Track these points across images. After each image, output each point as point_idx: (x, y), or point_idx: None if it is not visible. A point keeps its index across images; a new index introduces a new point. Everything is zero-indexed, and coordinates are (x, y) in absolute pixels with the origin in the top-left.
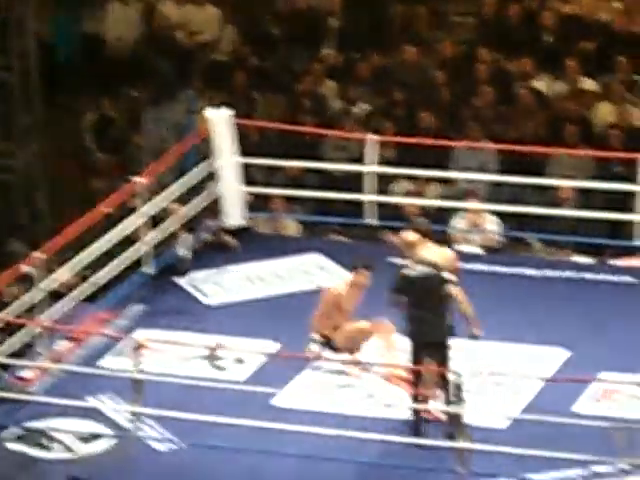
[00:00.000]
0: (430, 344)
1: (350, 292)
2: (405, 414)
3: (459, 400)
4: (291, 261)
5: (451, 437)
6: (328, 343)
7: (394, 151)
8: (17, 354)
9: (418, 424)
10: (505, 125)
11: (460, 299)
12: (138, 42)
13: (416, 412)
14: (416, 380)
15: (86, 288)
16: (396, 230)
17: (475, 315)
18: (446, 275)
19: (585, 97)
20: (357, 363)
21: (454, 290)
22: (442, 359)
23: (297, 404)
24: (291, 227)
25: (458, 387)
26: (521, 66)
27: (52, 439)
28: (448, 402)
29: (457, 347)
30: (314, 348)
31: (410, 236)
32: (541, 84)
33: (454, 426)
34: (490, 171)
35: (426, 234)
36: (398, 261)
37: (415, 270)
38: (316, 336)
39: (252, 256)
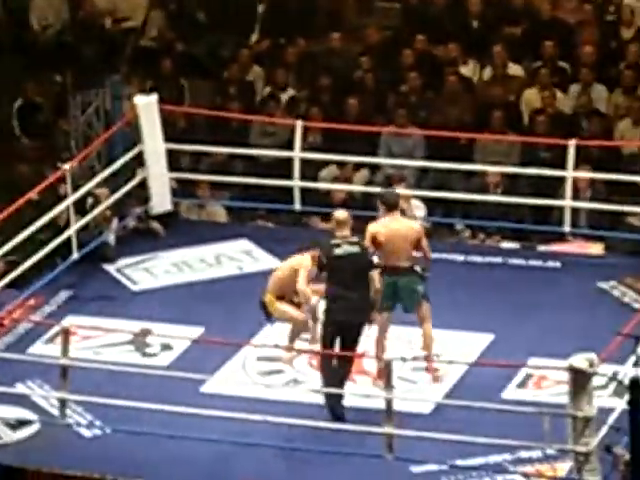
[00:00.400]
0: (347, 324)
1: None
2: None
3: (389, 386)
4: (218, 247)
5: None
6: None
7: (321, 137)
8: None
9: (334, 408)
10: (432, 111)
11: (376, 284)
12: (64, 28)
13: (330, 396)
14: (324, 363)
15: (13, 275)
16: (324, 216)
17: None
18: (373, 258)
19: (511, 83)
20: (289, 349)
21: (374, 274)
22: (354, 341)
23: (224, 390)
24: (218, 213)
25: (388, 373)
26: (448, 52)
27: None
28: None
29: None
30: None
31: (341, 215)
32: (468, 70)
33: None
34: (417, 157)
35: (394, 205)
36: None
37: (342, 249)
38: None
39: (179, 242)
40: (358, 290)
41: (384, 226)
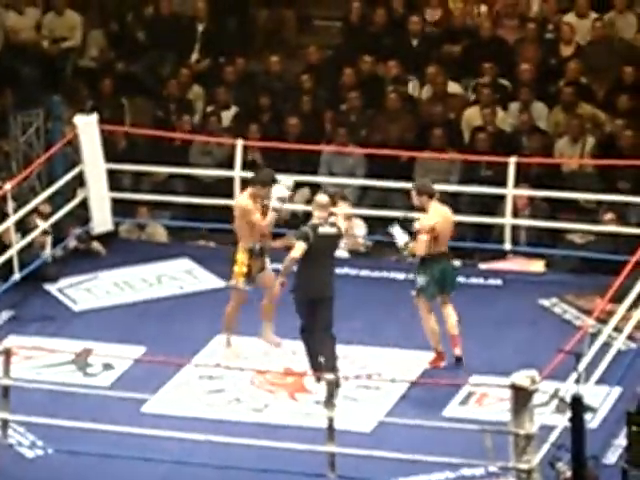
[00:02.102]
0: (320, 299)
1: (254, 206)
2: (275, 417)
3: (331, 405)
4: (159, 267)
5: None
6: (262, 250)
7: (262, 156)
8: None
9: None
10: (372, 129)
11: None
12: (2, 49)
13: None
14: (308, 342)
15: None
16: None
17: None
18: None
19: (452, 101)
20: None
21: None
22: (330, 312)
23: (165, 409)
24: (159, 233)
25: (331, 392)
26: (388, 70)
27: None
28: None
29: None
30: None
31: (322, 199)
32: (408, 88)
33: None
34: (358, 176)
35: (433, 193)
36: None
37: (324, 228)
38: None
39: (120, 262)
40: (330, 268)
41: (437, 215)
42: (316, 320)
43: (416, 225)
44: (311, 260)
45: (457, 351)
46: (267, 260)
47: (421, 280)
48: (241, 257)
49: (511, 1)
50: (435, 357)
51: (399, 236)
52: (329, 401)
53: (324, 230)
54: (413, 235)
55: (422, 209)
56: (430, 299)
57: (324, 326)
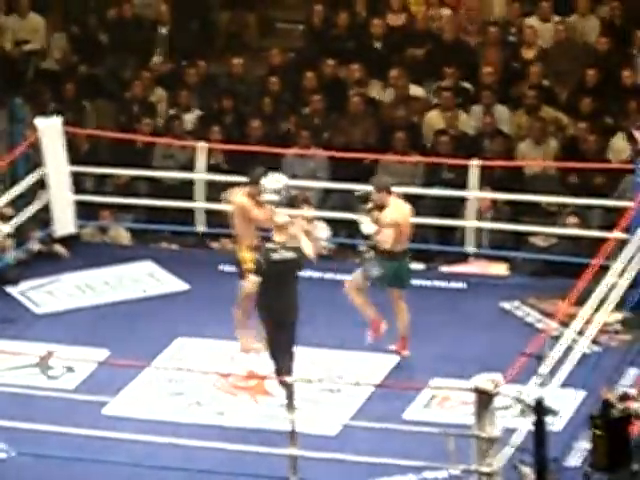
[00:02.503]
0: (283, 323)
1: (251, 203)
2: (237, 420)
3: (292, 408)
4: (122, 269)
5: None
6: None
7: (224, 159)
8: None
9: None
10: (335, 132)
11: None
12: None
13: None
14: (274, 355)
15: None
16: (227, 237)
17: None
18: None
19: (414, 104)
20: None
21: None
22: (292, 336)
23: (128, 412)
24: (122, 235)
25: (290, 395)
26: (351, 73)
27: None
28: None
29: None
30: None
31: (280, 219)
32: (371, 91)
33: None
34: (320, 178)
35: (390, 189)
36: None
37: (279, 254)
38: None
39: (82, 264)
40: (290, 293)
41: (397, 211)
42: (278, 340)
43: (366, 227)
44: (268, 287)
45: (405, 353)
46: None
47: (375, 271)
48: (246, 255)
49: (473, 4)
50: (375, 325)
51: (367, 226)
52: (290, 404)
53: (279, 256)
54: (376, 231)
55: (381, 206)
56: (374, 284)
57: (285, 348)
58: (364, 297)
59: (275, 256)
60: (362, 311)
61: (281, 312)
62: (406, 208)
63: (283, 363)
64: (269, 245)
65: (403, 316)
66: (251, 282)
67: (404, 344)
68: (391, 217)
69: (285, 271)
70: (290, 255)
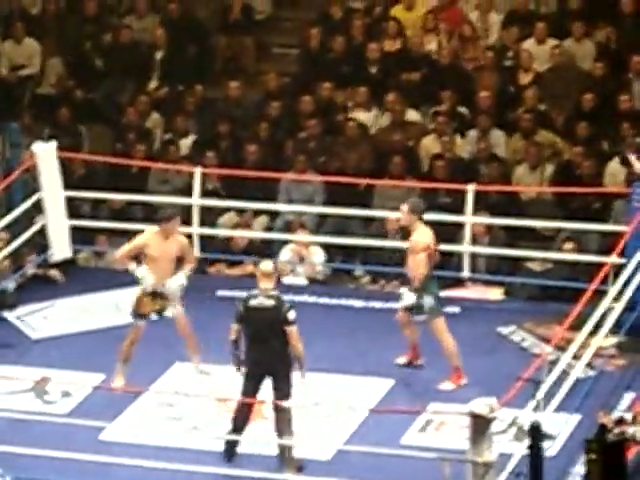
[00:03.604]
0: (269, 375)
1: (158, 240)
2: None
3: (289, 432)
4: (117, 294)
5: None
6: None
7: (220, 184)
8: None
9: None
10: (331, 157)
11: (294, 339)
12: None
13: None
14: (277, 413)
15: None
16: (230, 263)
17: (304, 360)
18: (288, 314)
19: (410, 129)
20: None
21: (291, 329)
22: (283, 392)
23: (125, 437)
24: None
25: (288, 420)
26: (346, 98)
27: None
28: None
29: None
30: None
31: (265, 267)
32: (366, 116)
33: (282, 458)
34: (316, 203)
35: (423, 212)
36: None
37: (257, 300)
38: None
39: (78, 289)
40: (271, 343)
41: (427, 234)
42: (253, 392)
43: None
44: (249, 336)
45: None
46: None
47: (428, 301)
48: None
49: (470, 30)
50: (456, 375)
51: (408, 297)
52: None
53: (257, 302)
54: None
55: (405, 229)
56: (441, 314)
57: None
58: (452, 340)
59: (252, 302)
60: (448, 353)
61: (264, 364)
62: (429, 230)
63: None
64: (252, 291)
65: (450, 344)
66: (232, 329)
67: (460, 373)
68: (422, 239)
69: (264, 319)
70: (269, 303)
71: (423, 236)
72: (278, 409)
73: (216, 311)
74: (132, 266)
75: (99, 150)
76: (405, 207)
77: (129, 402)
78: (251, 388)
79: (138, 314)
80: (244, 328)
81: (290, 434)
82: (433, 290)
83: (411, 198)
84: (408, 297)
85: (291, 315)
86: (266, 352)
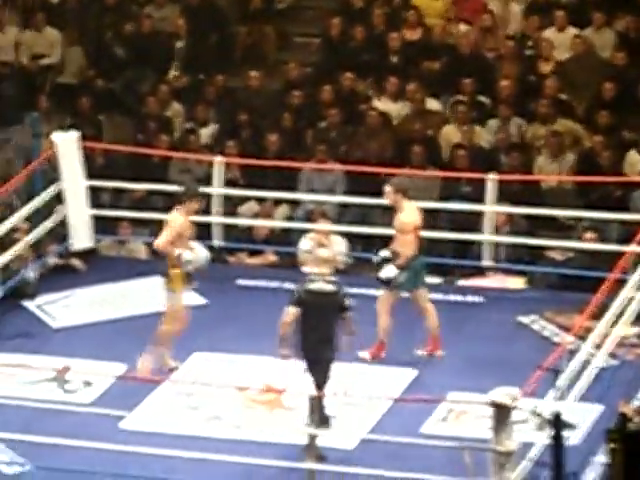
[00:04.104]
0: (316, 360)
1: (185, 219)
2: (254, 433)
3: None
4: (139, 283)
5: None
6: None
7: (241, 173)
8: None
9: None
10: (352, 146)
11: (350, 326)
12: None
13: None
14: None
15: None
16: (243, 251)
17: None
18: (346, 300)
19: (430, 118)
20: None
21: (347, 315)
22: (322, 376)
23: (145, 426)
24: (139, 250)
25: (312, 409)
26: (367, 87)
27: None
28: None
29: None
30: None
31: (324, 253)
32: (387, 105)
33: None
34: (337, 192)
35: (408, 191)
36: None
37: (316, 284)
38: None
39: (99, 279)
40: (326, 327)
41: (414, 212)
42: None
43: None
44: (303, 320)
45: (439, 353)
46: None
47: (402, 277)
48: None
49: (490, 19)
50: (378, 346)
51: (387, 270)
52: (310, 418)
53: (316, 286)
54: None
55: (396, 208)
56: (402, 292)
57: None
58: (388, 319)
59: (312, 286)
60: (380, 329)
61: (313, 348)
62: (416, 207)
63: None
64: (310, 276)
65: (433, 317)
66: (289, 312)
67: (437, 344)
68: (410, 220)
69: (322, 303)
70: (329, 288)
71: (410, 216)
72: (312, 396)
73: (236, 300)
74: (177, 251)
75: (119, 139)
76: (389, 187)
77: (149, 391)
78: (319, 375)
79: (180, 292)
80: (300, 311)
81: (320, 422)
82: (416, 268)
83: (396, 179)
84: (389, 270)
85: (348, 302)
86: (317, 337)
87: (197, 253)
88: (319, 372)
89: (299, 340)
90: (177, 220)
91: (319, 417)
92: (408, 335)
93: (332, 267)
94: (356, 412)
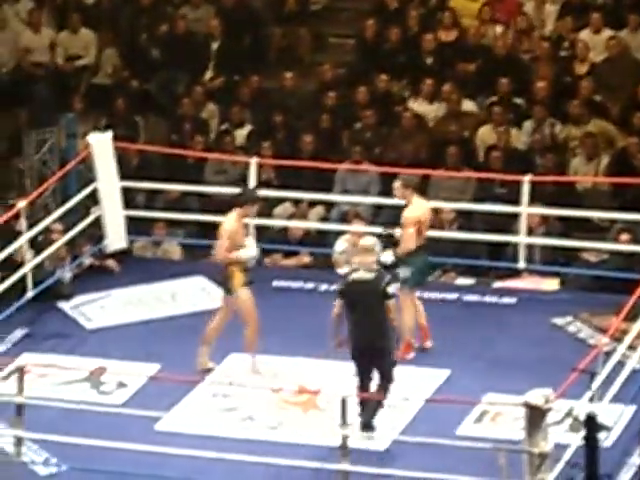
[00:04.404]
0: (366, 349)
1: (240, 226)
2: (289, 435)
3: (345, 423)
4: (173, 284)
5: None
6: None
7: (275, 174)
8: None
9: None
10: (386, 147)
11: (391, 313)
12: (17, 67)
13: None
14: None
15: None
16: (278, 253)
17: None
18: (388, 287)
19: (466, 119)
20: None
21: (389, 303)
22: (381, 366)
23: (181, 427)
24: (173, 250)
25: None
26: (402, 88)
27: None
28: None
29: (339, 369)
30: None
31: (366, 242)
32: (422, 106)
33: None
34: (372, 193)
35: (417, 186)
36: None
37: (358, 274)
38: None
39: (134, 280)
40: (372, 316)
41: (420, 208)
42: (366, 371)
43: (385, 257)
44: (350, 310)
45: (428, 343)
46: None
47: (405, 272)
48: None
49: (525, 21)
50: (406, 346)
51: (386, 256)
52: (343, 419)
53: (357, 275)
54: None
55: (405, 204)
56: (412, 289)
57: (365, 374)
58: (412, 315)
59: (353, 275)
60: (405, 329)
61: (365, 337)
62: (426, 205)
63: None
64: (353, 265)
65: (411, 316)
66: (336, 305)
67: (427, 333)
68: (413, 214)
69: (365, 292)
70: (368, 276)
71: (415, 210)
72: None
73: (272, 301)
74: (235, 254)
75: (155, 140)
76: (397, 183)
77: (184, 393)
78: (362, 365)
79: (234, 289)
80: (345, 302)
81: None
82: (417, 265)
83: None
84: (386, 256)
85: (390, 289)
86: (366, 326)
87: (249, 249)
88: (380, 363)
89: (349, 331)
90: (229, 226)
91: (367, 420)
92: (441, 336)
93: (375, 256)
94: (389, 413)
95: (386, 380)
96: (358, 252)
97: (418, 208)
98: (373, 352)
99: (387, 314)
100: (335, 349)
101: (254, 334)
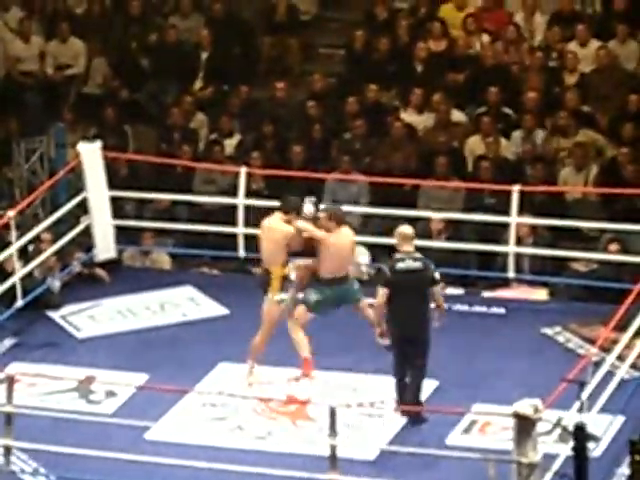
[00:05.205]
0: (410, 338)
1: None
2: (277, 444)
3: (334, 433)
4: (162, 294)
5: None
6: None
7: (265, 184)
8: None
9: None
10: (376, 157)
11: (439, 297)
12: (6, 76)
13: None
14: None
15: None
16: None
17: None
18: (435, 274)
19: (455, 129)
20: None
21: (437, 289)
22: (422, 353)
23: (168, 437)
24: (162, 260)
25: (333, 419)
26: (391, 99)
27: None
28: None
29: (323, 379)
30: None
31: (406, 230)
32: (411, 116)
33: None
34: (361, 203)
35: (343, 220)
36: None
37: (405, 263)
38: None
39: (123, 289)
40: (419, 305)
41: (339, 238)
42: (406, 361)
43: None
44: (395, 299)
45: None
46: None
47: (310, 296)
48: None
49: (515, 31)
50: (307, 364)
51: (363, 257)
52: (332, 429)
53: (404, 265)
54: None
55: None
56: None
57: (409, 363)
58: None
59: (400, 265)
60: (299, 347)
61: (409, 327)
62: (349, 237)
63: (404, 395)
64: (396, 255)
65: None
66: (381, 294)
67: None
68: (329, 239)
69: (412, 282)
70: (417, 265)
71: (334, 237)
72: (413, 375)
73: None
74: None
75: (144, 150)
76: (322, 213)
77: (173, 402)
78: (402, 355)
79: (270, 292)
80: (392, 292)
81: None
82: (325, 294)
83: (332, 205)
84: (363, 257)
85: (437, 275)
86: (411, 316)
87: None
88: (418, 354)
89: (393, 320)
90: (288, 227)
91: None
92: (436, 345)
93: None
94: (378, 423)
95: (423, 375)
96: (398, 240)
97: (338, 237)
98: (418, 342)
99: (428, 305)
100: (380, 338)
101: (262, 343)
